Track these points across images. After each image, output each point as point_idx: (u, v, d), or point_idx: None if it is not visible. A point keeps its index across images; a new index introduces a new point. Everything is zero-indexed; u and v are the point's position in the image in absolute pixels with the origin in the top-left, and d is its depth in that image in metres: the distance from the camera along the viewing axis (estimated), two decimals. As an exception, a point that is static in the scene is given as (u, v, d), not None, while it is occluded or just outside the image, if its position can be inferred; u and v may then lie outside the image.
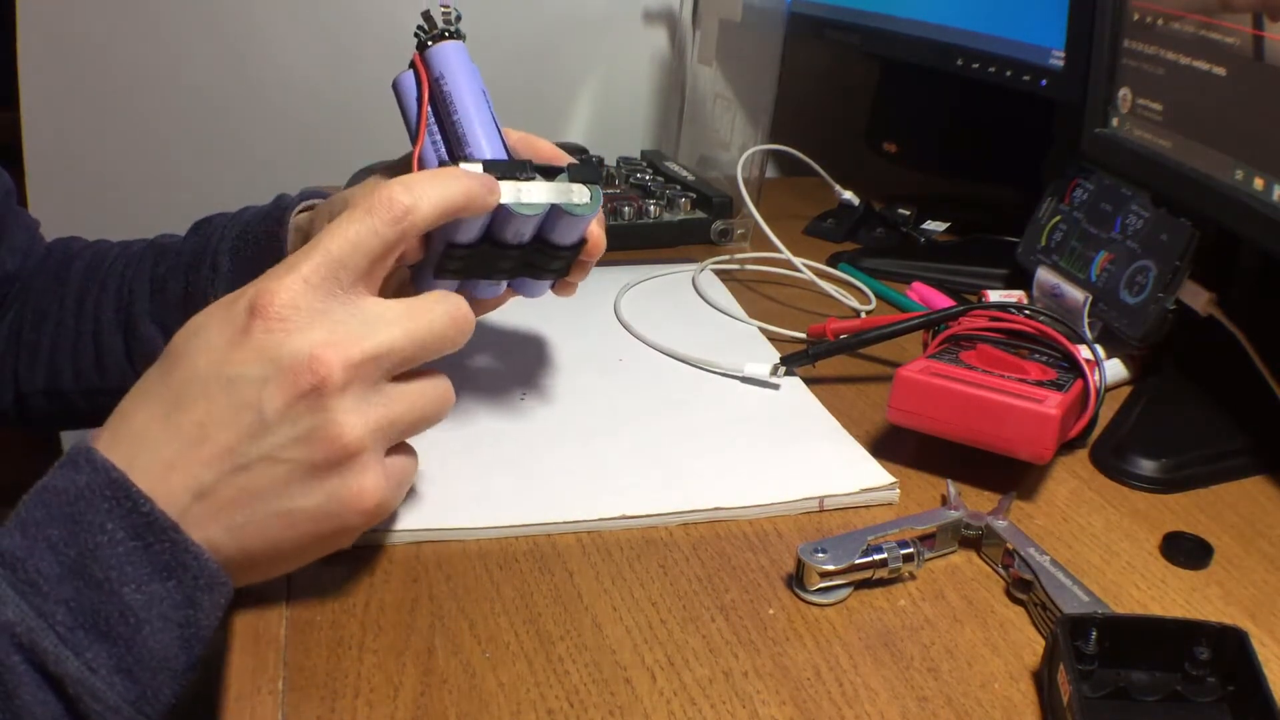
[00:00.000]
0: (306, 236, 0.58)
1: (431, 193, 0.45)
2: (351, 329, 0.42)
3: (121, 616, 0.38)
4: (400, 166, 0.59)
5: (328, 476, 0.41)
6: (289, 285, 0.41)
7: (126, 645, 0.38)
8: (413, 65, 0.55)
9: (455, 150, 0.54)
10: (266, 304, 0.41)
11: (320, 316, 0.41)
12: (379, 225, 0.43)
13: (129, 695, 0.38)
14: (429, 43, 0.54)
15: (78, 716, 0.37)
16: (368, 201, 0.43)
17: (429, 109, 0.54)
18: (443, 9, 0.55)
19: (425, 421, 0.45)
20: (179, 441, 0.40)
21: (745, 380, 0.68)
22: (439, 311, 0.44)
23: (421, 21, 0.55)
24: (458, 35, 0.55)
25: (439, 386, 0.45)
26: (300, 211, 0.61)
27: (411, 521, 0.51)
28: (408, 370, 0.44)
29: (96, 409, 0.63)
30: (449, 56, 0.55)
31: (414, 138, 0.54)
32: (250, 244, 0.60)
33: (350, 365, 0.41)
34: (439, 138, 0.55)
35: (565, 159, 0.56)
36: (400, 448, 0.45)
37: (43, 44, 1.06)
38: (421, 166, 0.54)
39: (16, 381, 0.67)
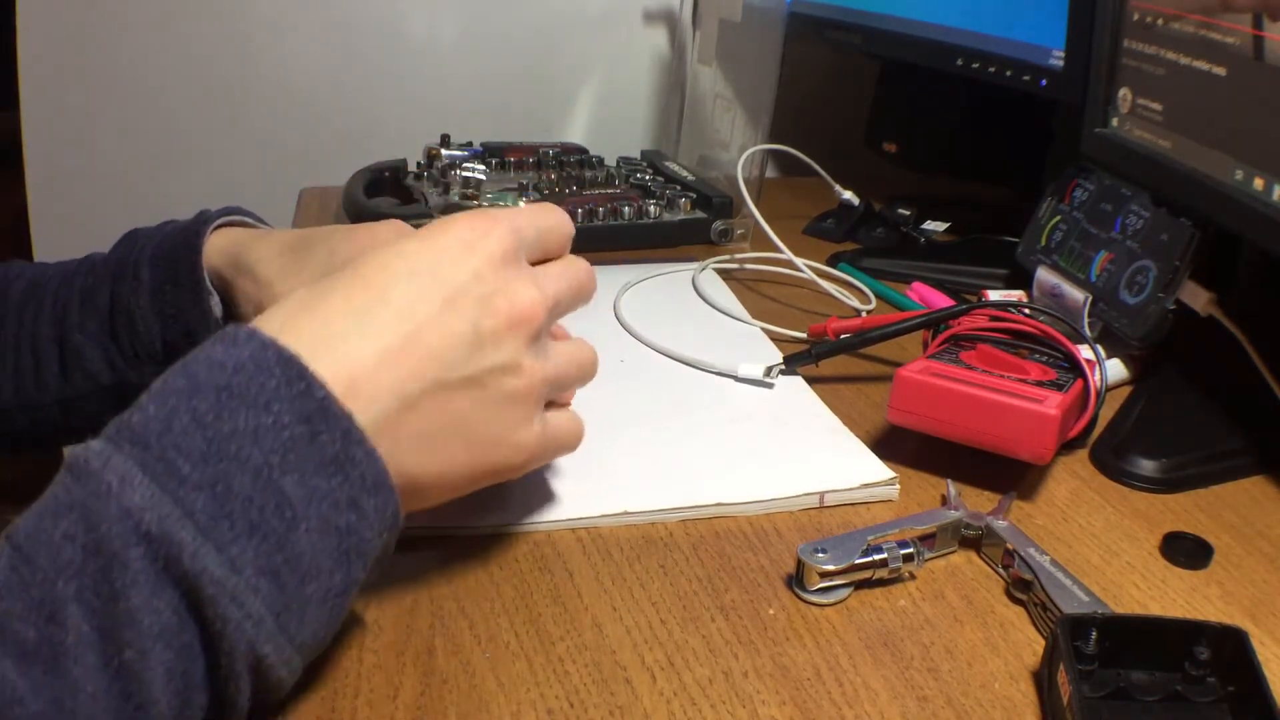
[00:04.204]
0: (232, 259, 0.59)
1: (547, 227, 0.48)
2: (542, 283, 0.43)
3: (277, 509, 0.33)
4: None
5: (513, 408, 0.42)
6: (507, 227, 0.43)
7: (278, 543, 0.33)
8: None
9: None
10: (482, 235, 0.42)
11: (522, 265, 0.43)
12: (561, 231, 0.47)
13: (273, 604, 0.33)
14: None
15: (203, 625, 0.32)
16: (561, 214, 0.47)
17: None
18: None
19: (580, 380, 0.48)
20: (387, 338, 0.38)
21: (741, 380, 0.68)
22: (579, 268, 0.47)
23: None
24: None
25: (586, 349, 0.49)
26: (219, 227, 0.61)
27: (411, 520, 0.51)
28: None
29: (34, 424, 0.63)
30: None
31: None
32: (167, 256, 0.61)
33: (548, 312, 0.43)
34: None
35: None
36: (563, 411, 0.48)
37: (43, 44, 1.06)
38: None
39: None
